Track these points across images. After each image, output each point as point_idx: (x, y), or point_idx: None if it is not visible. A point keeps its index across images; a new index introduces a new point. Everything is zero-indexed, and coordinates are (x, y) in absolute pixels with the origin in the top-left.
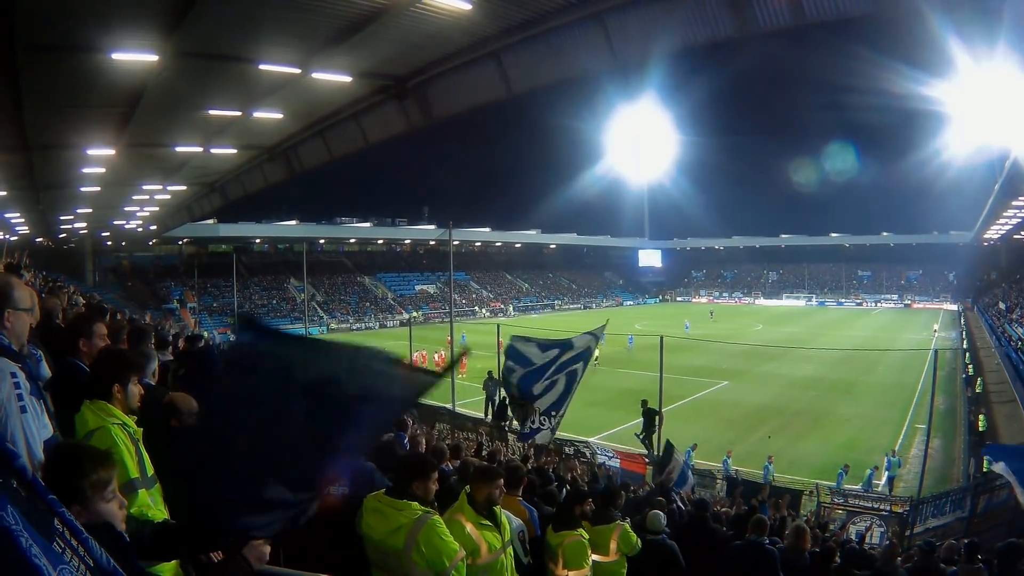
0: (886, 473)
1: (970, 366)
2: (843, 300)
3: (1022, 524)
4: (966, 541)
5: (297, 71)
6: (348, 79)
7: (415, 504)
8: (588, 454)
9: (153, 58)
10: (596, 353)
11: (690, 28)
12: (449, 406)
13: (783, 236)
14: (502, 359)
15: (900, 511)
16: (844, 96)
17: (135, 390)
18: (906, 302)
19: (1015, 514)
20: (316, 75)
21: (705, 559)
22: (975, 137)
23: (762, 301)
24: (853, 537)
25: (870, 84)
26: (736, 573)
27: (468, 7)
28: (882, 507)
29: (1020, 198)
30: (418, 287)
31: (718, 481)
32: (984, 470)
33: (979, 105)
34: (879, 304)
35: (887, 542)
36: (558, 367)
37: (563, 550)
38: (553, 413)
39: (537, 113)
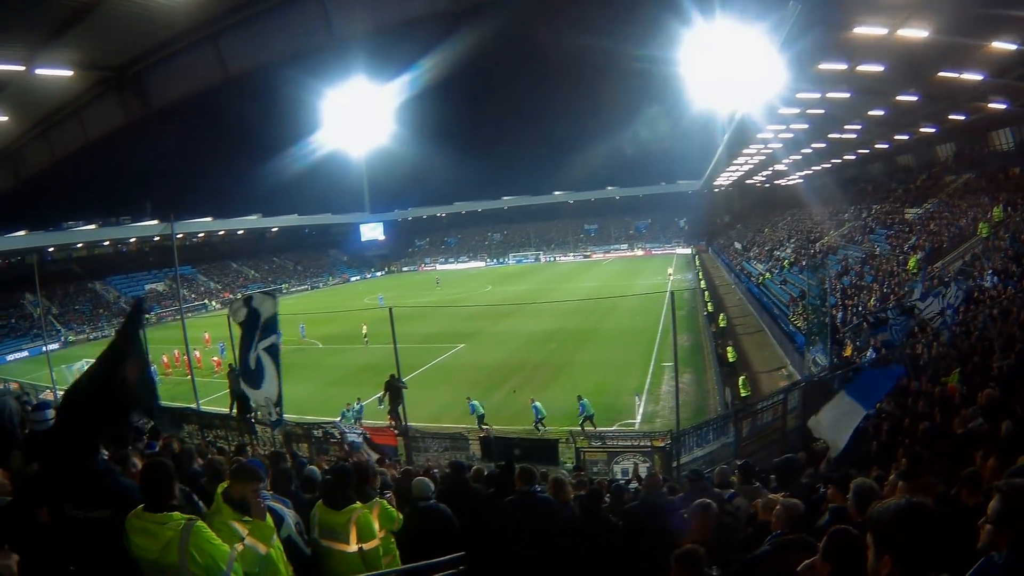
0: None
1: (710, 304)
2: (583, 254)
3: (794, 441)
4: (739, 463)
5: (21, 68)
6: (70, 73)
7: (176, 514)
8: (337, 434)
9: None
10: (364, 329)
11: (409, 2)
12: (194, 406)
13: (505, 198)
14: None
15: (662, 445)
16: (568, 58)
17: None
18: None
19: (783, 432)
20: (40, 71)
21: (468, 519)
22: (701, 93)
23: (489, 263)
24: (619, 476)
25: (599, 44)
26: (514, 524)
27: None
28: (642, 444)
29: (751, 146)
30: (147, 286)
31: (471, 443)
32: (743, 395)
33: (706, 64)
34: (609, 254)
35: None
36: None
37: (356, 525)
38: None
39: (252, 91)
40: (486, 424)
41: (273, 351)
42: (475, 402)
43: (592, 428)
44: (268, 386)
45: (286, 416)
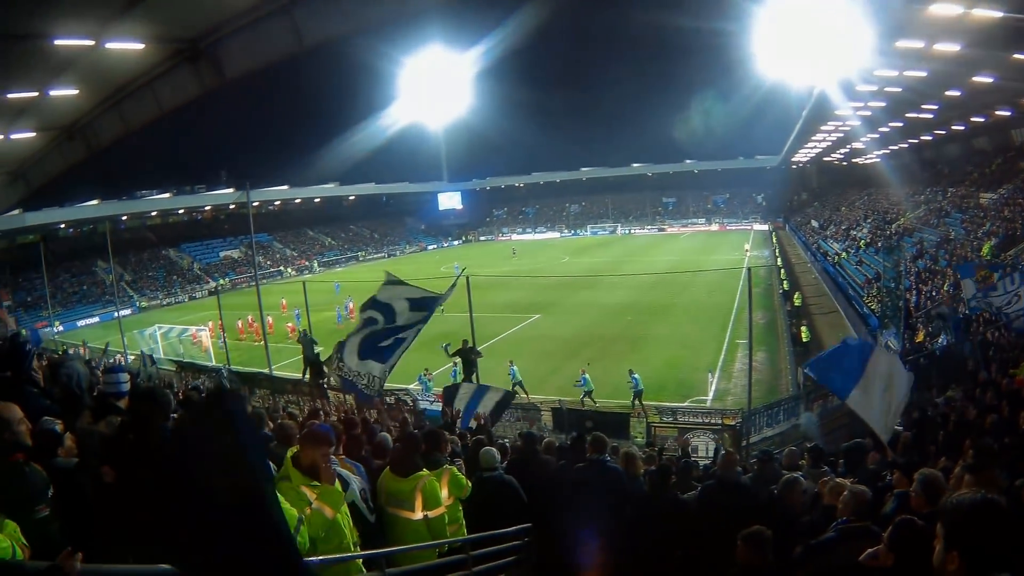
0: (712, 388)
1: (785, 281)
2: (659, 227)
3: (863, 425)
4: (809, 446)
5: (91, 43)
6: (141, 46)
7: None
8: (409, 401)
9: None
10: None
11: None
12: (266, 371)
13: (584, 169)
14: (313, 316)
15: (732, 423)
16: (646, 30)
17: None
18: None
19: (853, 416)
20: (110, 45)
21: (539, 490)
22: (779, 69)
23: (566, 234)
24: (689, 452)
25: (677, 19)
26: (584, 491)
27: None
28: (713, 421)
29: (829, 122)
30: (222, 253)
31: (543, 413)
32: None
33: (786, 39)
34: (686, 228)
35: (723, 452)
36: (410, 324)
37: (422, 493)
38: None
39: (328, 62)
40: (524, 391)
41: (418, 330)
42: (515, 368)
43: (639, 404)
44: (393, 360)
45: (362, 384)
